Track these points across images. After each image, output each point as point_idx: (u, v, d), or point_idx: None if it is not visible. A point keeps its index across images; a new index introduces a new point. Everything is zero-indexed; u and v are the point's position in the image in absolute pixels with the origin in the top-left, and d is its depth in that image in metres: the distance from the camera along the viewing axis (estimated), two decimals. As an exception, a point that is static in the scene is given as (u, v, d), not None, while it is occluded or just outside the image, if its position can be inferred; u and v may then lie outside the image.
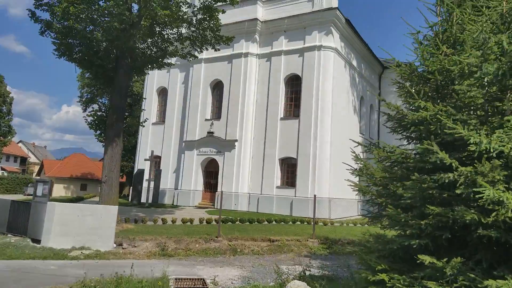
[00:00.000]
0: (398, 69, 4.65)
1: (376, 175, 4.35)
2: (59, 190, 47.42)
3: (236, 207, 22.65)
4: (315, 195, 13.33)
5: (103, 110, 16.77)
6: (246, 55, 24.11)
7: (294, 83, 23.14)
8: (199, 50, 17.17)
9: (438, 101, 4.30)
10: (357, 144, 5.00)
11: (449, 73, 3.98)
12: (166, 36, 16.07)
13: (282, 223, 16.84)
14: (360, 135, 26.39)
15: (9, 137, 48.79)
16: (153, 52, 16.55)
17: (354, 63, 25.44)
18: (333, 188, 21.41)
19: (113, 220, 11.50)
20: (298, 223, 17.11)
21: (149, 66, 16.95)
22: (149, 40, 16.15)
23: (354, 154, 4.79)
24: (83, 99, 40.34)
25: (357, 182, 5.08)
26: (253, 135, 23.81)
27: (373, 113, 29.45)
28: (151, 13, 13.59)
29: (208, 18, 15.69)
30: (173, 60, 18.43)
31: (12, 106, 47.66)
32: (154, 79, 29.00)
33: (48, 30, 15.12)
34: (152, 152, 25.31)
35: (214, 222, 15.69)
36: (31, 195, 38.59)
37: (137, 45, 15.79)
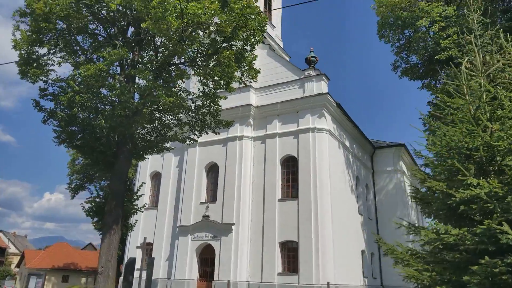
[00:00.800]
0: (432, 147, 4.65)
1: (429, 258, 4.08)
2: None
3: (236, 297, 21.07)
4: (328, 283, 12.54)
5: (101, 197, 16.27)
6: (241, 138, 24.60)
7: (290, 164, 23.35)
8: (198, 134, 17.47)
9: (480, 177, 4.24)
10: (399, 226, 4.78)
11: (492, 149, 3.99)
12: (165, 121, 16.43)
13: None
14: (360, 215, 26.05)
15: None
16: (152, 137, 16.76)
17: (347, 144, 26.16)
18: (338, 271, 20.39)
19: None
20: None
21: (149, 151, 17.01)
22: (149, 126, 16.46)
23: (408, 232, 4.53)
24: (72, 186, 39.76)
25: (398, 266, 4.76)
26: (250, 217, 23.18)
27: (369, 193, 29.45)
28: (155, 100, 14.04)
29: (209, 104, 16.24)
30: (172, 144, 18.62)
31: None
32: (147, 163, 28.92)
33: (51, 118, 15.34)
34: (145, 239, 24.03)
35: None
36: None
37: (137, 131, 16.03)
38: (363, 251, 25.67)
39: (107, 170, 15.48)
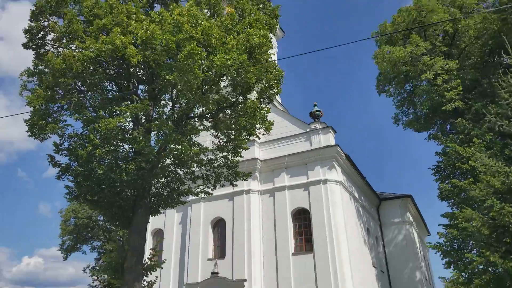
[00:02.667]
0: None
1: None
2: None
3: None
4: None
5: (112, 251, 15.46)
6: (247, 192, 24.27)
7: (301, 217, 22.94)
8: (212, 187, 17.15)
9: None
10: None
11: None
12: (179, 175, 16.12)
13: None
14: (374, 268, 25.30)
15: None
16: (165, 192, 16.43)
17: (356, 195, 26.08)
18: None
19: None
20: None
21: (164, 205, 16.58)
22: (163, 180, 16.15)
23: None
24: (64, 247, 37.93)
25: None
26: (263, 273, 22.20)
27: (379, 245, 28.88)
28: (180, 152, 13.92)
29: (225, 157, 16.17)
30: (183, 198, 18.22)
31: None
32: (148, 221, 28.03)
33: (66, 173, 14.97)
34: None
35: None
36: None
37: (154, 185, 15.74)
38: (380, 306, 24.65)
39: (124, 225, 14.90)
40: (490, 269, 18.67)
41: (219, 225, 25.06)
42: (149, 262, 15.79)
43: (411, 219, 30.92)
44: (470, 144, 21.35)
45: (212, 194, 17.94)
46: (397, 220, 29.99)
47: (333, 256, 20.54)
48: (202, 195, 17.10)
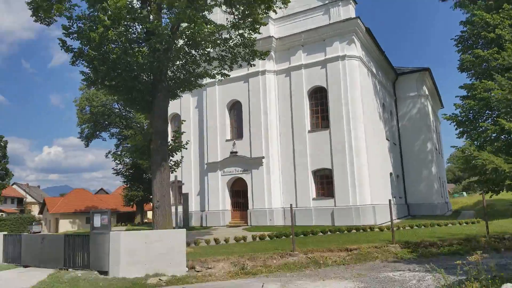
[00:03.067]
0: None
1: None
2: (65, 225, 46.68)
3: (271, 222, 22.02)
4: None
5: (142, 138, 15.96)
6: (263, 72, 23.88)
7: (318, 95, 22.95)
8: (228, 69, 16.69)
9: None
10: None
11: None
12: (195, 57, 15.57)
13: (338, 232, 16.31)
14: (387, 141, 26.35)
15: (7, 180, 47.77)
16: (182, 75, 16.13)
17: (374, 71, 25.54)
18: (372, 193, 21.15)
19: (183, 244, 11.04)
20: (354, 231, 16.53)
21: (183, 88, 16.44)
22: (179, 62, 15.69)
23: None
24: (84, 135, 39.69)
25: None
26: (280, 150, 23.36)
27: (393, 120, 29.51)
28: (193, 31, 13.19)
29: (241, 35, 15.37)
30: (203, 81, 17.98)
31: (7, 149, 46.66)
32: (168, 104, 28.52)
33: (80, 59, 14.58)
34: (176, 177, 24.57)
35: (267, 238, 15.40)
36: (36, 232, 37.32)
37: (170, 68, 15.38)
38: (390, 174, 26.48)
39: (144, 109, 15.10)
40: (502, 137, 19.35)
41: (235, 107, 25.44)
42: (173, 144, 16.45)
43: (426, 92, 30.85)
44: (499, 10, 20.09)
45: (229, 75, 17.52)
46: (412, 94, 30.01)
47: (348, 131, 21.17)
48: (219, 77, 16.78)
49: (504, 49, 18.32)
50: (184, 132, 20.29)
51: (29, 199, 75.91)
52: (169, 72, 15.67)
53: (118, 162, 38.62)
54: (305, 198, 21.89)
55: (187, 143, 16.49)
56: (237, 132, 25.03)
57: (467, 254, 9.59)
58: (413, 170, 29.09)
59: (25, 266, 12.69)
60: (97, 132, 39.66)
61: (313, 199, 21.82)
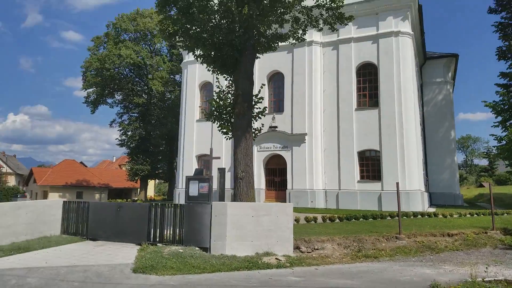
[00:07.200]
0: None
1: None
2: (54, 198, 43.66)
3: (313, 204, 21.22)
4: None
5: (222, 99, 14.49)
6: (309, 43, 22.71)
7: (366, 72, 22.07)
8: (302, 32, 15.17)
9: None
10: None
11: None
12: (283, 17, 14.08)
13: (405, 217, 15.73)
14: (420, 126, 26.03)
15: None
16: (267, 35, 14.53)
17: (416, 52, 24.91)
18: (420, 178, 20.80)
19: (290, 220, 9.97)
20: (419, 217, 16.07)
21: (267, 47, 14.74)
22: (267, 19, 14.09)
23: None
24: (90, 100, 36.90)
25: None
26: (323, 128, 22.44)
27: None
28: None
29: None
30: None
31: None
32: (195, 73, 26.75)
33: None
34: (211, 150, 23.09)
35: (337, 220, 14.62)
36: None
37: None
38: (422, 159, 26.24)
39: (230, 70, 13.52)
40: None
41: (274, 79, 24.17)
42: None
43: (452, 79, 30.69)
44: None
45: (305, 39, 16.15)
46: (439, 79, 29.76)
47: (400, 112, 20.57)
48: (300, 40, 15.14)
49: None
50: (262, 98, 18.36)
51: (6, 169, 70.84)
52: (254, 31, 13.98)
53: (124, 132, 36.36)
54: (349, 180, 21.20)
55: (264, 110, 14.79)
56: (277, 105, 23.82)
57: None
58: (436, 158, 28.77)
59: (93, 239, 11.13)
60: (104, 98, 36.99)
61: (358, 181, 21.18)
